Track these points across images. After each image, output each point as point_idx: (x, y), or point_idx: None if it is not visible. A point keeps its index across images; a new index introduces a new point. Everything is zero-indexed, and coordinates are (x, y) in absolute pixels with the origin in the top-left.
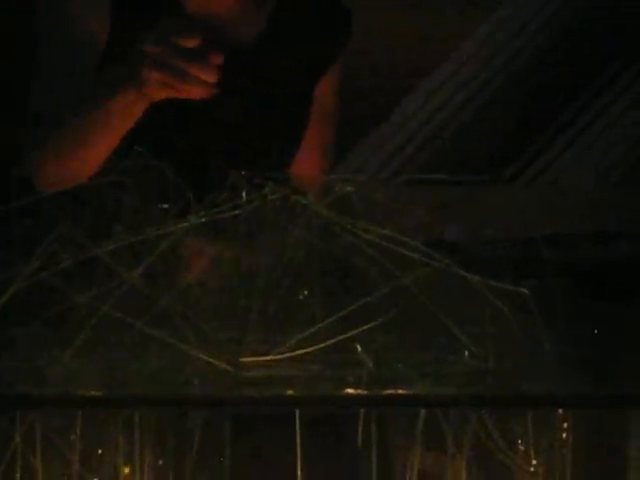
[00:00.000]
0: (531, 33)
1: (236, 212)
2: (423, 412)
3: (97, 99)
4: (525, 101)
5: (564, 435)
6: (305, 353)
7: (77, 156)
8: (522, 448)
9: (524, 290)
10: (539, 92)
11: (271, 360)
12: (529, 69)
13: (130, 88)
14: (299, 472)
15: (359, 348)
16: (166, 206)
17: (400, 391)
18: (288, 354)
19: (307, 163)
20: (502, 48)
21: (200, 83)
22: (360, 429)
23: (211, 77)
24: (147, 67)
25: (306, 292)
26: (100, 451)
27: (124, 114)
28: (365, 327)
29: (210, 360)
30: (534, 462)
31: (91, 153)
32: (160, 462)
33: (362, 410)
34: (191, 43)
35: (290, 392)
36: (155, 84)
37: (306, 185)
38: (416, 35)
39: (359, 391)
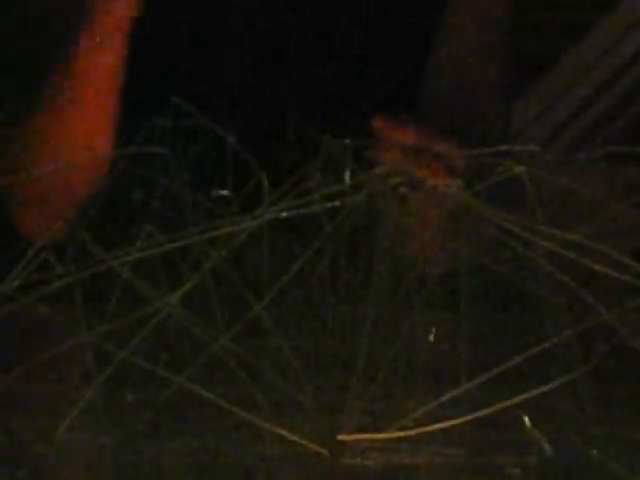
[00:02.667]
0: None
1: (335, 204)
2: None
3: None
4: None
5: None
6: (442, 429)
7: None
8: None
9: None
10: None
11: (388, 439)
12: None
13: None
14: None
15: (528, 422)
16: (225, 192)
17: None
18: (415, 430)
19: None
20: None
21: None
22: None
23: None
24: None
25: (441, 331)
26: None
27: None
28: (542, 389)
29: (291, 437)
30: None
31: None
32: None
33: None
34: None
35: None
36: None
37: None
38: None
39: None
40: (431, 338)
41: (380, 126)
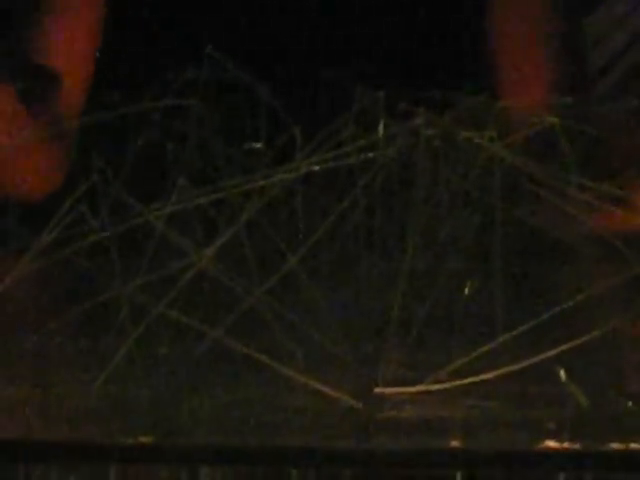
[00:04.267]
0: None
1: (369, 155)
2: None
3: None
4: None
5: None
6: (477, 382)
7: None
8: None
9: None
10: None
11: (423, 393)
12: None
13: None
14: None
15: (563, 375)
16: (259, 145)
17: (634, 445)
18: (450, 383)
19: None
20: None
21: None
22: None
23: None
24: None
25: (476, 285)
26: None
27: None
28: (577, 341)
29: (326, 391)
30: None
31: None
32: None
33: (565, 473)
34: None
35: (454, 443)
36: None
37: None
38: None
39: (565, 444)
40: (466, 290)
41: None
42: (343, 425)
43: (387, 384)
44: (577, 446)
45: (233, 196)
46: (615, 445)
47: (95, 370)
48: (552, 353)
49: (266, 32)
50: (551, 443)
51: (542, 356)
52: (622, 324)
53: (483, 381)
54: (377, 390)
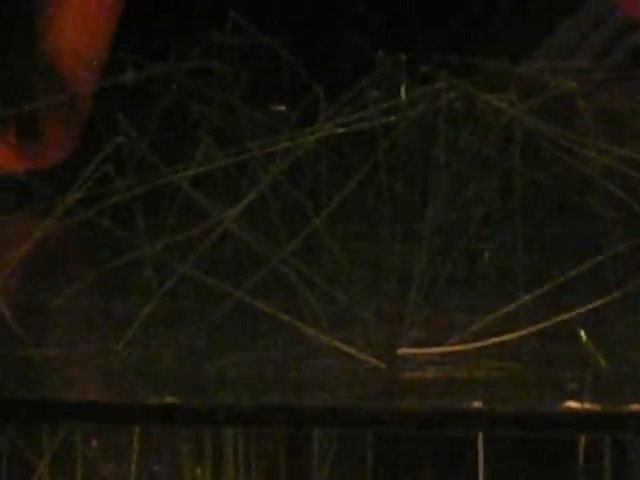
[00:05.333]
0: None
1: (390, 119)
2: None
3: None
4: None
5: None
6: (499, 343)
7: None
8: None
9: None
10: None
11: (445, 353)
12: None
13: None
14: None
15: (584, 336)
16: (282, 108)
17: None
18: (472, 344)
19: None
20: None
21: None
22: (582, 463)
23: None
24: None
25: (497, 246)
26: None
27: None
28: (598, 302)
29: (348, 350)
30: None
31: None
32: None
33: (586, 434)
34: None
35: (477, 404)
36: None
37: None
38: None
39: (585, 405)
40: (486, 253)
41: None
42: (366, 385)
43: (410, 345)
44: (597, 407)
45: (258, 158)
46: (636, 406)
47: (119, 331)
48: (572, 314)
49: None
50: (572, 404)
51: (562, 317)
52: None
53: (505, 342)
54: (400, 351)
